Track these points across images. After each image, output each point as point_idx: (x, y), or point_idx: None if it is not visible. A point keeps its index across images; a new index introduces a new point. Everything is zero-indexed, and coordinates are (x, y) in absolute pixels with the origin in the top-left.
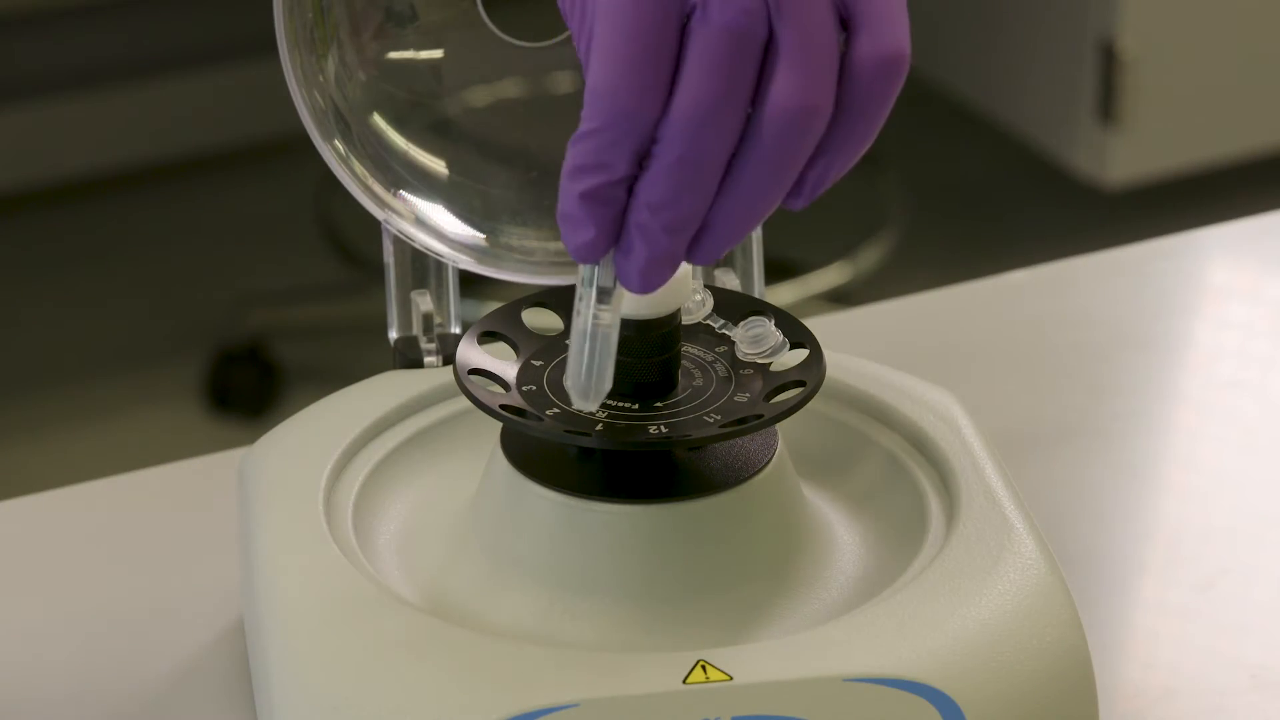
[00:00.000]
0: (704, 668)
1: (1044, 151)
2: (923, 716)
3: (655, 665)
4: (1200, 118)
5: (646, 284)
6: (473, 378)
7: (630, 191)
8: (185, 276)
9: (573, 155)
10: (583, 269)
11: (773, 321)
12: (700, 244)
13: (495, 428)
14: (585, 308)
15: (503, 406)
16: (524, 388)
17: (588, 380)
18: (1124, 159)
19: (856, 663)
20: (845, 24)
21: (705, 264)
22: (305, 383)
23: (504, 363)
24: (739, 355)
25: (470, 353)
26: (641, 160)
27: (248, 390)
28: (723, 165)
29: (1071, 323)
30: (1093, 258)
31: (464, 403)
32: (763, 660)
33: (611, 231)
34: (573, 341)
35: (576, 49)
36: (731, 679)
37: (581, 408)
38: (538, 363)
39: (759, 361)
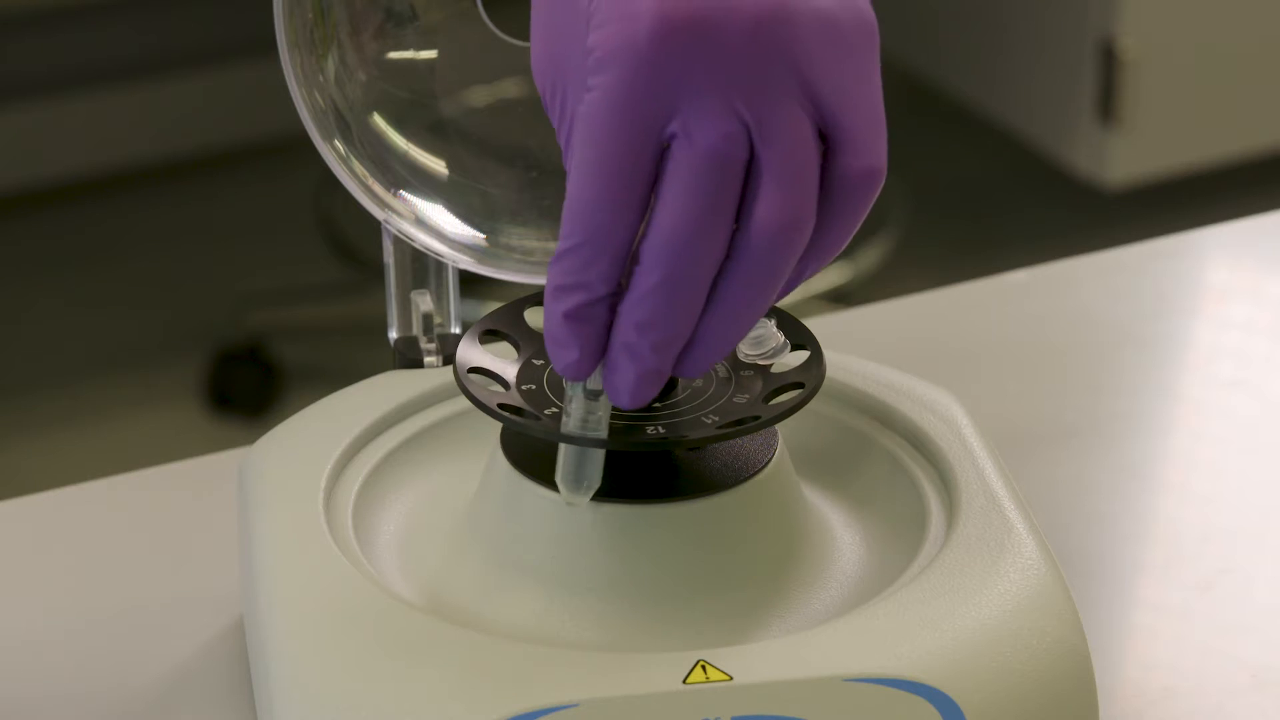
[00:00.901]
0: (704, 668)
1: (1044, 151)
2: (923, 716)
3: (655, 665)
4: (1200, 118)
5: (635, 400)
6: (472, 377)
7: (613, 308)
8: (185, 276)
9: (553, 275)
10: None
11: (774, 323)
12: (688, 358)
13: (495, 428)
14: (575, 408)
15: (501, 406)
16: (524, 387)
17: (578, 476)
18: (1124, 159)
19: (856, 663)
20: (824, 137)
21: (693, 376)
22: (305, 383)
23: (504, 362)
24: (740, 357)
25: (470, 352)
26: (623, 277)
27: (248, 390)
28: (708, 283)
29: (1071, 323)
30: (1093, 258)
31: (464, 403)
32: (763, 660)
33: (597, 349)
34: (564, 435)
35: (557, 134)
36: (731, 679)
37: (572, 503)
38: (538, 362)
39: (760, 363)
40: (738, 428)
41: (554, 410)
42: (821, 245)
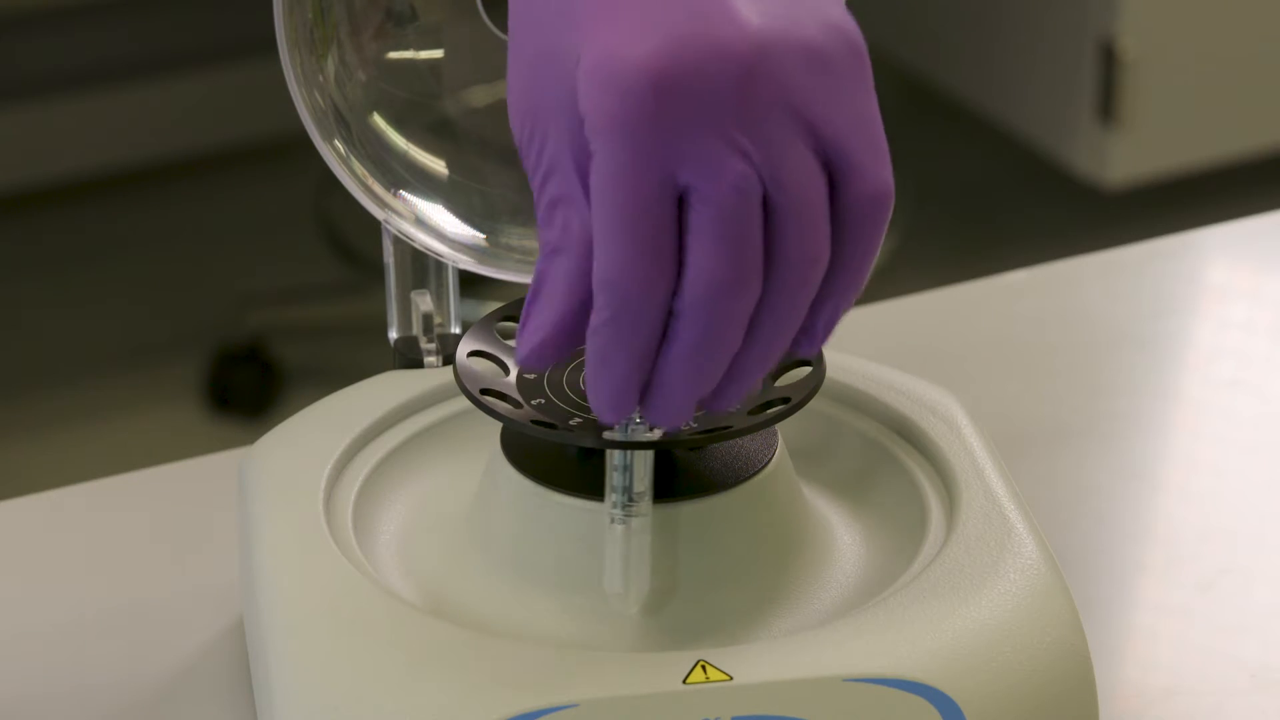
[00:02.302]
0: (704, 668)
1: (1044, 151)
2: (923, 716)
3: (655, 665)
4: (1200, 118)
5: (673, 426)
6: (473, 362)
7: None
8: (185, 276)
9: (593, 347)
10: (614, 476)
11: None
12: (723, 393)
13: (495, 427)
14: (618, 513)
15: (496, 399)
16: (525, 376)
17: (625, 582)
18: (1124, 159)
19: (856, 663)
20: (828, 165)
21: (725, 409)
22: (305, 383)
23: (511, 350)
24: None
25: (474, 339)
26: (663, 326)
27: (248, 390)
28: (744, 326)
29: (1071, 323)
30: (1093, 258)
31: (464, 403)
32: (763, 660)
33: (637, 394)
34: (607, 547)
35: (530, 180)
36: (731, 679)
37: (623, 610)
38: None
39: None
40: (737, 428)
41: (540, 401)
42: (844, 278)
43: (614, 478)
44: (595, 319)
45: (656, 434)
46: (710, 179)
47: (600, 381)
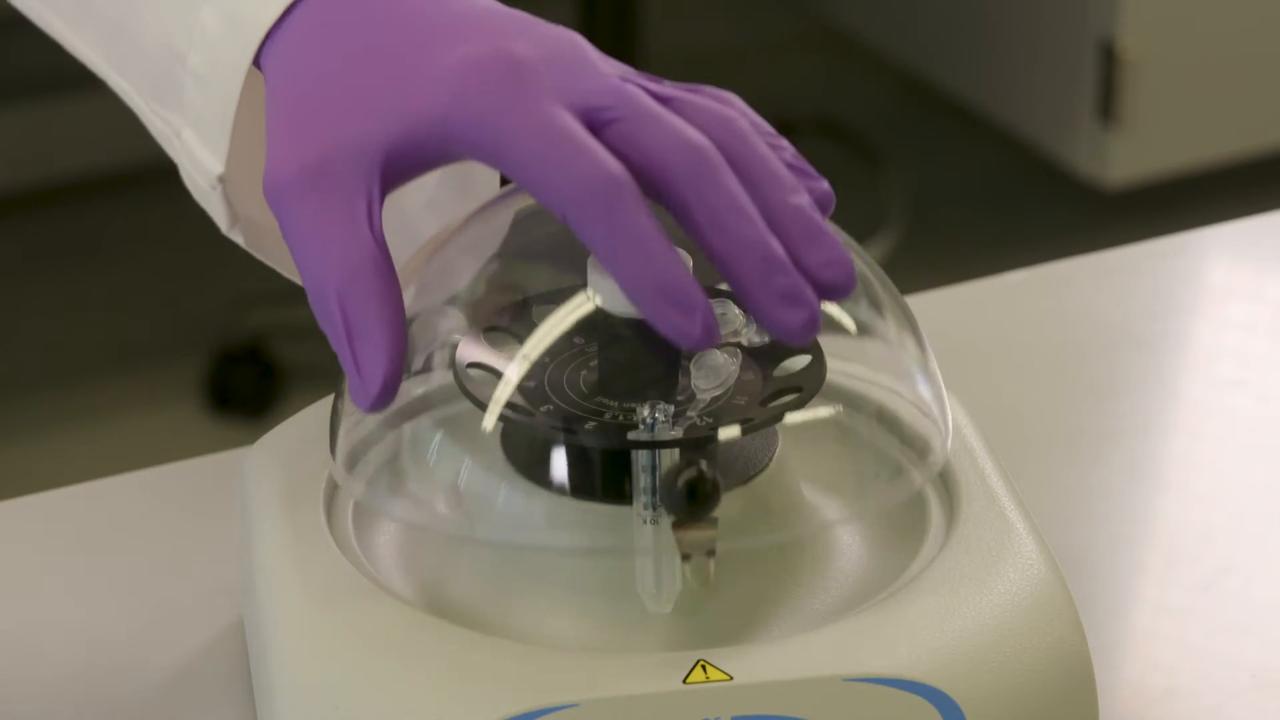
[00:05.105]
0: (704, 668)
1: (1044, 151)
2: (923, 716)
3: (655, 665)
4: (1200, 118)
5: (809, 334)
6: (472, 373)
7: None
8: (185, 276)
9: (633, 257)
10: (641, 477)
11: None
12: (815, 253)
13: (495, 426)
14: (648, 513)
15: (495, 400)
16: (525, 384)
17: (656, 584)
18: (1124, 159)
19: (856, 663)
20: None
21: (845, 281)
22: (305, 383)
23: (506, 358)
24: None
25: (470, 348)
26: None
27: (248, 390)
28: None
29: (1071, 323)
30: (1093, 258)
31: (464, 403)
32: (763, 660)
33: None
34: (638, 547)
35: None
36: (731, 679)
37: (657, 610)
38: (543, 359)
39: (733, 341)
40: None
41: (549, 407)
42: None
43: (641, 478)
44: (608, 223)
45: (679, 432)
46: (608, 93)
47: (672, 286)
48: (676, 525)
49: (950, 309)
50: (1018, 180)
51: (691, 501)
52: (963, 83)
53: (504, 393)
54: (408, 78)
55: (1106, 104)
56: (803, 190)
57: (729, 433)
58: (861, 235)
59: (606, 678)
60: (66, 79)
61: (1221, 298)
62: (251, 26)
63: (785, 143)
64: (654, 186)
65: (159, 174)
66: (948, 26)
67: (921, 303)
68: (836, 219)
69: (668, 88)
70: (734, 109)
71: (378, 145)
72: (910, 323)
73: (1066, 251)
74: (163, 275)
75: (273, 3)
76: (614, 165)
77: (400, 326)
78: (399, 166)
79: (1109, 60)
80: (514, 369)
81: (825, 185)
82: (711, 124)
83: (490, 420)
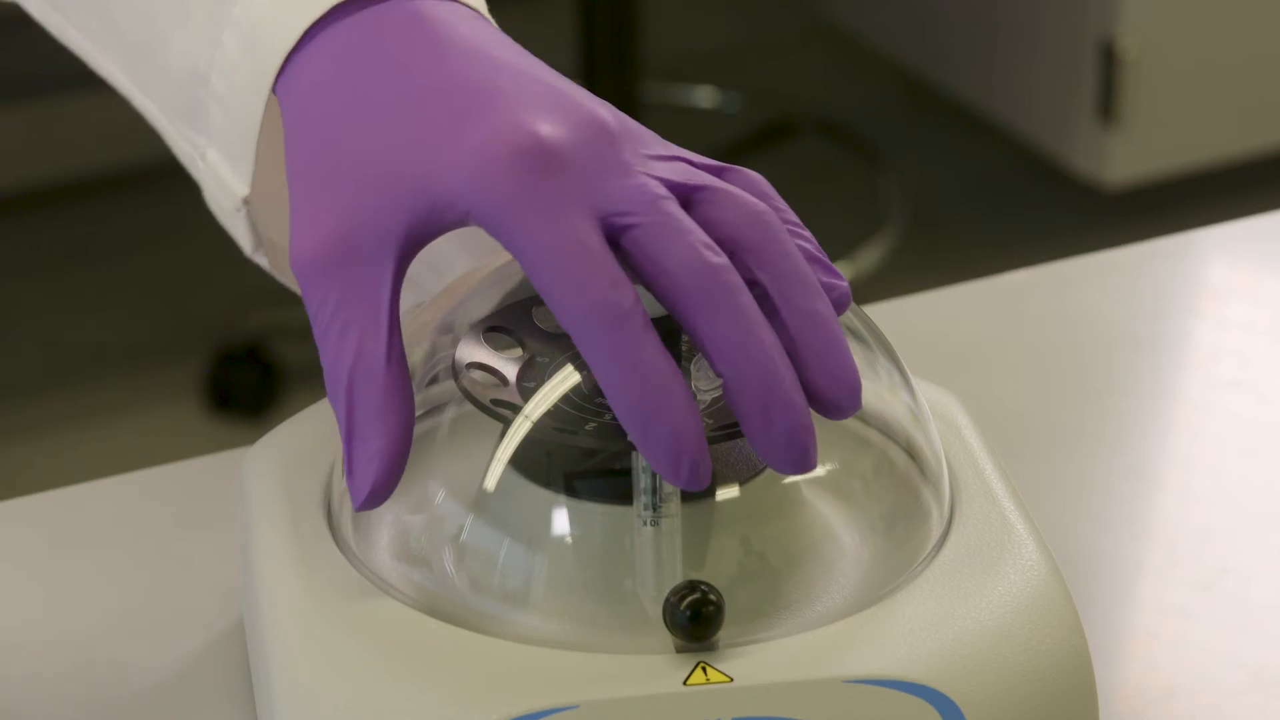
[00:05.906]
0: (704, 669)
1: (1044, 151)
2: (923, 717)
3: (655, 666)
4: (1200, 118)
5: (806, 464)
6: (471, 374)
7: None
8: (185, 276)
9: (633, 378)
10: (642, 479)
11: None
12: (828, 374)
13: (495, 429)
14: (649, 514)
15: (494, 401)
16: (524, 384)
17: (658, 583)
18: (1124, 159)
19: (856, 664)
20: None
21: (849, 398)
22: (305, 383)
23: (506, 359)
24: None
25: (469, 349)
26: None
27: (248, 390)
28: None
29: (1071, 323)
30: (1093, 258)
31: (463, 403)
32: (763, 661)
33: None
34: (638, 549)
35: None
36: (732, 680)
37: (657, 611)
38: (543, 360)
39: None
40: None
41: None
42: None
43: (642, 480)
44: (603, 347)
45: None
46: (630, 198)
47: (661, 431)
48: (679, 649)
49: (950, 309)
50: (1018, 180)
51: (695, 624)
52: (963, 82)
53: (509, 396)
54: (430, 150)
55: (1106, 104)
56: (823, 296)
57: (729, 434)
58: (861, 235)
59: (607, 679)
60: (66, 79)
61: (1221, 298)
62: (269, 52)
63: (807, 233)
64: (665, 301)
65: (159, 174)
66: (948, 26)
67: (921, 303)
68: (837, 219)
69: (698, 174)
70: (764, 197)
71: (400, 224)
72: (888, 348)
73: (1066, 251)
74: (163, 275)
75: (290, 29)
76: (624, 296)
77: (402, 428)
78: (418, 239)
79: (1109, 60)
80: (514, 370)
81: (844, 284)
82: (741, 220)
83: (496, 425)
